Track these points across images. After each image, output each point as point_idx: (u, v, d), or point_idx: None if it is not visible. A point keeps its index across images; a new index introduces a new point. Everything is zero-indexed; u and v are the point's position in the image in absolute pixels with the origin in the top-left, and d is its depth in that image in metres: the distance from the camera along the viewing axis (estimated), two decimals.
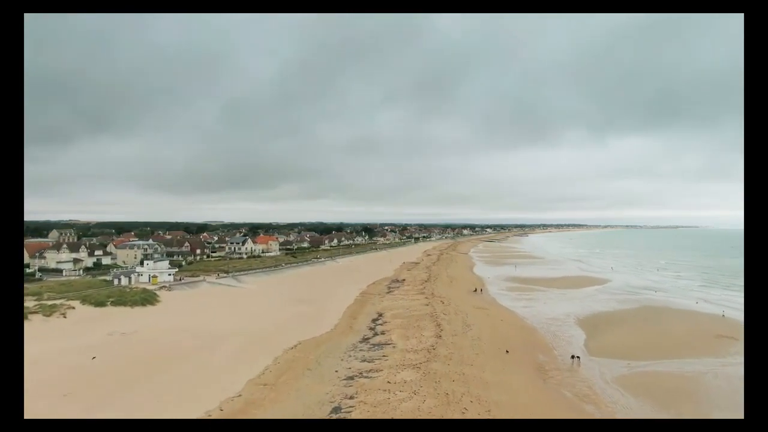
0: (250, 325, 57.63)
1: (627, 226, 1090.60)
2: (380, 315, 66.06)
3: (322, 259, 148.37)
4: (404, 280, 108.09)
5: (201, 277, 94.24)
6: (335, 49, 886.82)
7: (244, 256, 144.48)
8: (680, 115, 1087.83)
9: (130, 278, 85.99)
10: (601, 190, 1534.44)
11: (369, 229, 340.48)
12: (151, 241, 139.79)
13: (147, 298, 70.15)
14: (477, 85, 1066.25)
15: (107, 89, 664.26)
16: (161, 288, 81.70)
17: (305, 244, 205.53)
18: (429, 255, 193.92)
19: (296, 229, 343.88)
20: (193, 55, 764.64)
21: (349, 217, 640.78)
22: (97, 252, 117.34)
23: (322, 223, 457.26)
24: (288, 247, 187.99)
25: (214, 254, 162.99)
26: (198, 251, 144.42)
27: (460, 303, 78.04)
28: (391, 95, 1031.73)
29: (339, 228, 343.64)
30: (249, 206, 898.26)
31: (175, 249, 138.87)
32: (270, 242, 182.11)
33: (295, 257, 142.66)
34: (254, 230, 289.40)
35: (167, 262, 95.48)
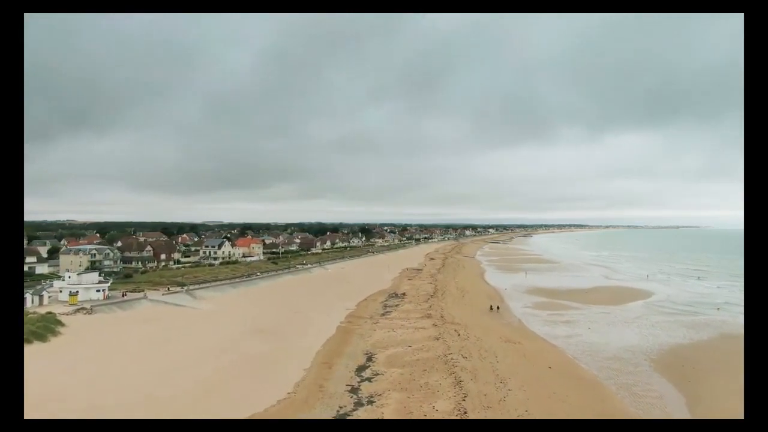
0: (161, 383, 36.76)
1: (629, 226, 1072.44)
2: (370, 359, 45.11)
3: (309, 266, 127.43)
4: (404, 294, 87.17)
5: (143, 294, 73.27)
6: (318, 44, 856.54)
7: (216, 263, 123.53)
8: (680, 112, 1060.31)
9: (41, 297, 65.06)
10: (601, 189, 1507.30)
11: (367, 230, 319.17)
12: (101, 245, 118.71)
13: (39, 331, 49.19)
14: (471, 81, 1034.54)
15: (82, 85, 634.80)
16: (79, 310, 60.88)
17: (294, 247, 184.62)
18: (432, 259, 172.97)
19: (289, 230, 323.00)
20: (167, 48, 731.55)
21: (349, 218, 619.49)
22: (30, 258, 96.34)
23: (320, 224, 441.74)
24: (273, 250, 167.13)
25: (187, 259, 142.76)
26: (163, 256, 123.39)
27: (481, 332, 57.21)
28: (385, 92, 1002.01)
29: (335, 229, 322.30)
30: (249, 206, 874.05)
31: (133, 254, 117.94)
32: (252, 245, 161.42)
33: (276, 264, 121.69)
34: (243, 231, 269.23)
35: (96, 273, 74.66)
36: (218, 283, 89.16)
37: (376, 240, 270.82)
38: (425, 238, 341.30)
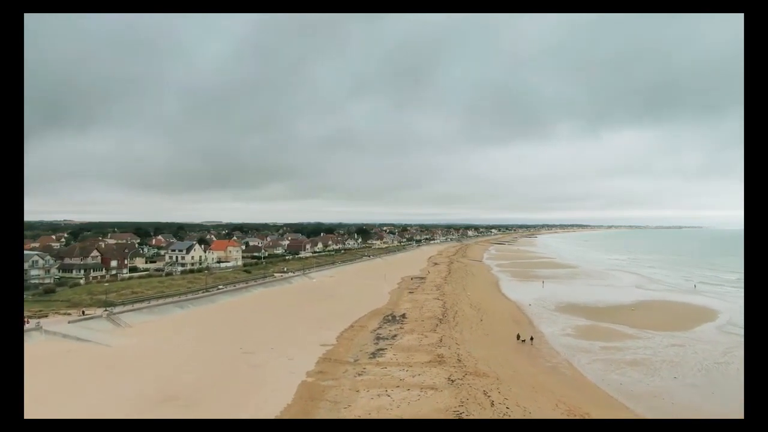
0: None
1: (631, 226, 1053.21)
2: None
3: (290, 274, 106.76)
4: (405, 316, 66.49)
5: (36, 323, 52.42)
6: (295, 34, 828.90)
7: (177, 270, 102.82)
8: (679, 107, 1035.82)
9: None
10: (600, 188, 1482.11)
11: (364, 231, 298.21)
12: (31, 250, 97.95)
13: None
14: (462, 75, 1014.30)
15: (52, 81, 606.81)
16: None
17: (279, 250, 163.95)
18: (436, 264, 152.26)
19: (281, 231, 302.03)
20: (143, 43, 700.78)
21: (349, 218, 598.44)
22: None
23: (320, 224, 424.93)
24: (254, 254, 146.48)
25: (149, 265, 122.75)
26: (115, 263, 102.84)
27: (525, 391, 36.65)
28: (372, 86, 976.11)
29: (330, 230, 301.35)
30: (250, 207, 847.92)
31: (75, 261, 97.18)
32: (229, 248, 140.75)
33: (250, 272, 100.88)
34: (230, 233, 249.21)
35: None
36: (162, 301, 68.55)
37: (374, 242, 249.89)
38: (426, 239, 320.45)
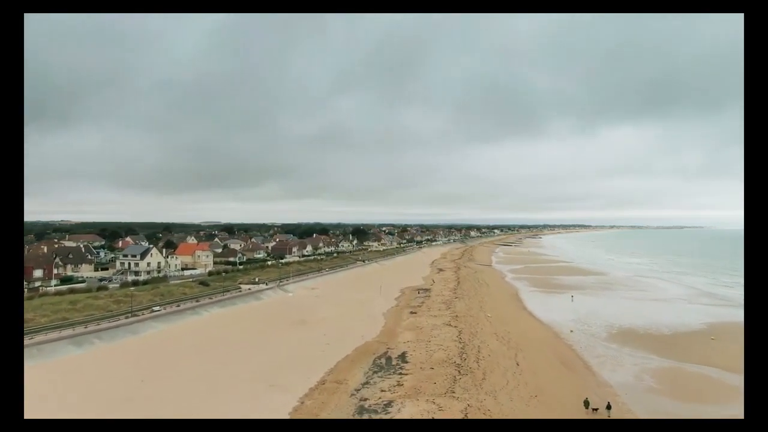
0: None
1: (632, 226, 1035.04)
2: None
3: (263, 286, 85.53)
4: (405, 358, 45.31)
5: None
6: (281, 29, 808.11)
7: (115, 283, 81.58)
8: (679, 103, 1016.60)
9: None
10: (600, 189, 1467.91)
11: (361, 231, 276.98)
12: None
13: None
14: (462, 74, 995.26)
15: (46, 81, 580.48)
16: None
17: (261, 254, 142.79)
18: (441, 270, 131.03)
19: (271, 231, 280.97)
20: (120, 37, 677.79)
21: (349, 218, 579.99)
22: None
23: (318, 224, 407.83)
24: (228, 260, 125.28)
25: (103, 272, 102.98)
26: (40, 273, 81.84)
27: None
28: (363, 83, 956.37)
29: (324, 230, 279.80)
30: (251, 207, 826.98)
31: None
32: (198, 253, 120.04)
33: (207, 285, 79.48)
34: (211, 235, 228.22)
35: None
36: (57, 334, 47.45)
37: (371, 243, 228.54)
38: (428, 240, 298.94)
